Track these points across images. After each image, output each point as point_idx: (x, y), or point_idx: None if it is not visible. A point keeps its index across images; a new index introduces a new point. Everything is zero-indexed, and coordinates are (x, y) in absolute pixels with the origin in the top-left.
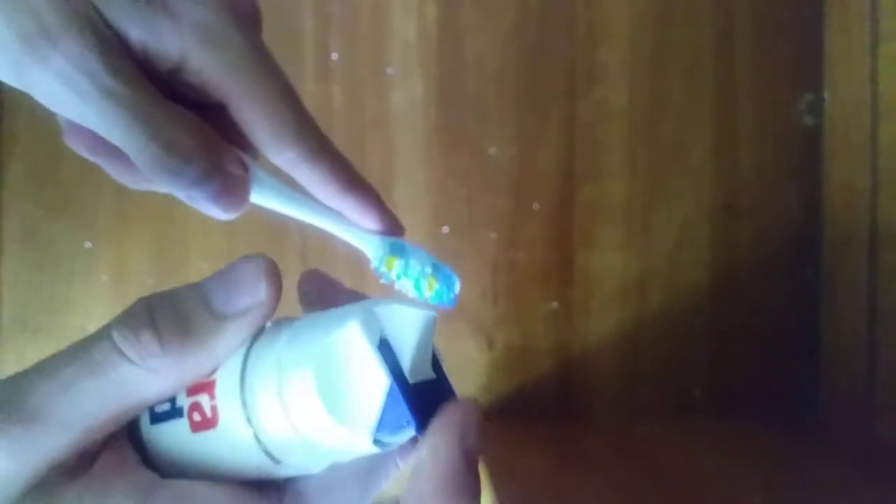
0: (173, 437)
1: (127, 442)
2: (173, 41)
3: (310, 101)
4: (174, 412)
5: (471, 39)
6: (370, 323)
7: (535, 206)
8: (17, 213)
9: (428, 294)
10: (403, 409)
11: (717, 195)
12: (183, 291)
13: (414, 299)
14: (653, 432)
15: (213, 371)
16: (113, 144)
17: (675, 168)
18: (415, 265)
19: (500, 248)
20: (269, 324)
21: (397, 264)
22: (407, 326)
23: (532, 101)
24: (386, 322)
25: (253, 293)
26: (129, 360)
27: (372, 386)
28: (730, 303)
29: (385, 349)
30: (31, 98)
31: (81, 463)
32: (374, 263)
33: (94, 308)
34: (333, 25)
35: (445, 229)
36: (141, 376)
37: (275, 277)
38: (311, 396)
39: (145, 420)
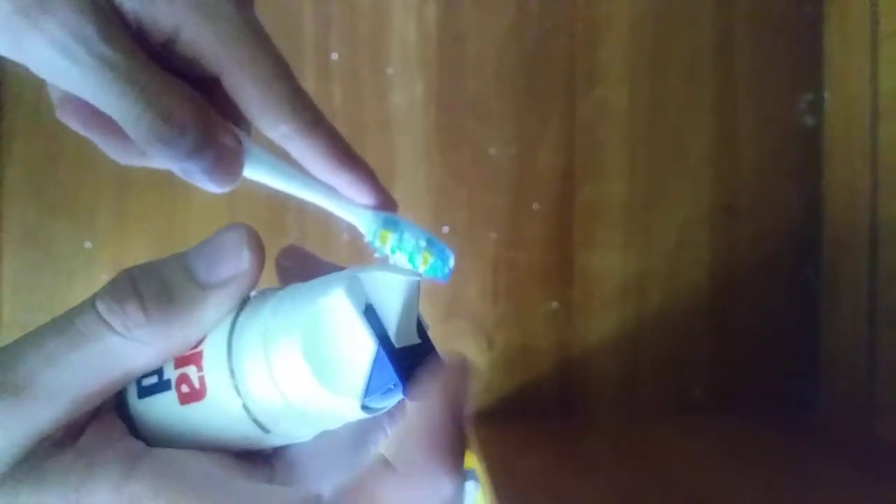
0: (161, 409)
1: (114, 413)
2: (166, 12)
3: None
4: (162, 385)
5: (471, 39)
6: (355, 289)
7: (535, 206)
8: (17, 213)
9: (423, 267)
10: (390, 373)
11: (717, 195)
12: (166, 262)
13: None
14: (653, 432)
15: (200, 342)
16: (106, 117)
17: (675, 168)
18: (409, 239)
19: (500, 248)
20: (253, 293)
21: (391, 238)
22: (391, 292)
23: (532, 101)
24: (370, 288)
25: (236, 262)
26: (114, 330)
27: (359, 351)
28: (730, 303)
29: (370, 315)
30: (31, 98)
31: (69, 434)
32: (367, 237)
33: None
34: (333, 25)
35: (445, 229)
36: (127, 347)
37: (257, 246)
38: (298, 363)
39: (132, 393)
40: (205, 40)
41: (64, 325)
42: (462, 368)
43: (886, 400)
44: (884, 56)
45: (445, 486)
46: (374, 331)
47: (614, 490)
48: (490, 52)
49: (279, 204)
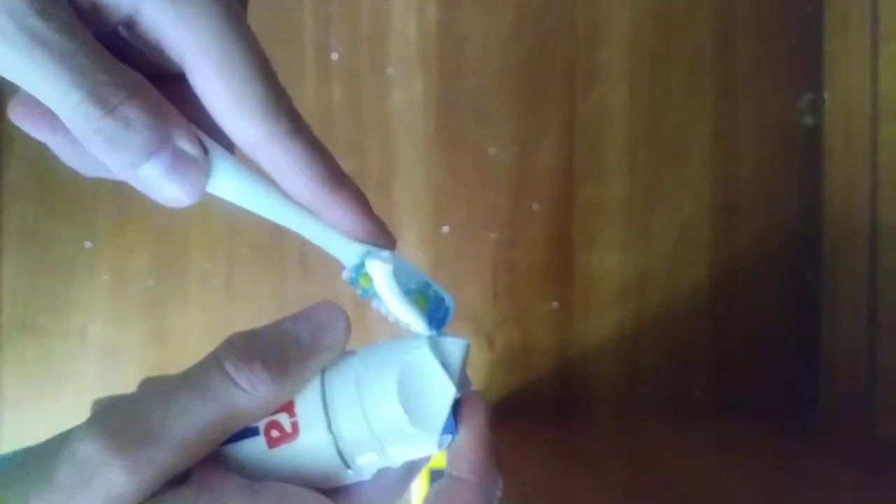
0: (248, 453)
1: (210, 455)
2: None
3: (310, 101)
4: (249, 431)
5: (471, 39)
6: (434, 348)
7: (535, 206)
8: (17, 213)
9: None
10: (452, 419)
11: (717, 195)
12: (273, 329)
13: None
14: (653, 432)
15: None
16: (57, 116)
17: (675, 168)
18: (399, 282)
19: (500, 248)
20: None
21: (377, 279)
22: (454, 351)
23: (532, 101)
24: (442, 348)
25: (335, 331)
26: (240, 388)
27: (441, 397)
28: (730, 303)
29: (446, 368)
30: None
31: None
32: (345, 274)
33: (94, 308)
34: (333, 25)
35: (445, 229)
36: (248, 401)
37: (348, 319)
38: (392, 402)
39: None
40: (167, 22)
41: (191, 381)
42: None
43: (886, 400)
44: (884, 56)
45: (499, 486)
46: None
47: (614, 490)
48: (490, 52)
49: None
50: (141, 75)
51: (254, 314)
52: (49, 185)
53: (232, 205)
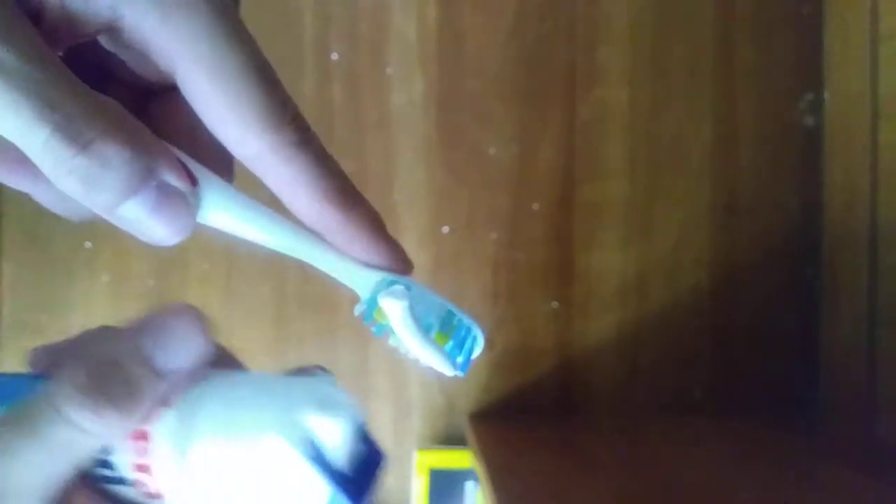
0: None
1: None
2: None
3: (310, 101)
4: (117, 479)
5: (471, 39)
6: (294, 432)
7: (535, 206)
8: (17, 213)
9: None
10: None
11: (717, 195)
12: (123, 352)
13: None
14: (653, 432)
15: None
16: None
17: (675, 168)
18: (419, 315)
19: (500, 248)
20: None
21: (395, 311)
22: (335, 429)
23: (532, 101)
24: (314, 424)
25: (190, 350)
26: (87, 432)
27: (314, 498)
28: (730, 303)
29: (315, 453)
30: None
31: None
32: (359, 308)
33: (94, 308)
34: (333, 25)
35: (445, 229)
36: (94, 441)
37: (208, 332)
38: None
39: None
40: (152, 26)
41: (25, 427)
42: None
43: (886, 400)
44: (884, 56)
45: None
46: (325, 470)
47: (614, 490)
48: (490, 52)
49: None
50: (116, 102)
51: (254, 314)
52: None
53: (230, 235)
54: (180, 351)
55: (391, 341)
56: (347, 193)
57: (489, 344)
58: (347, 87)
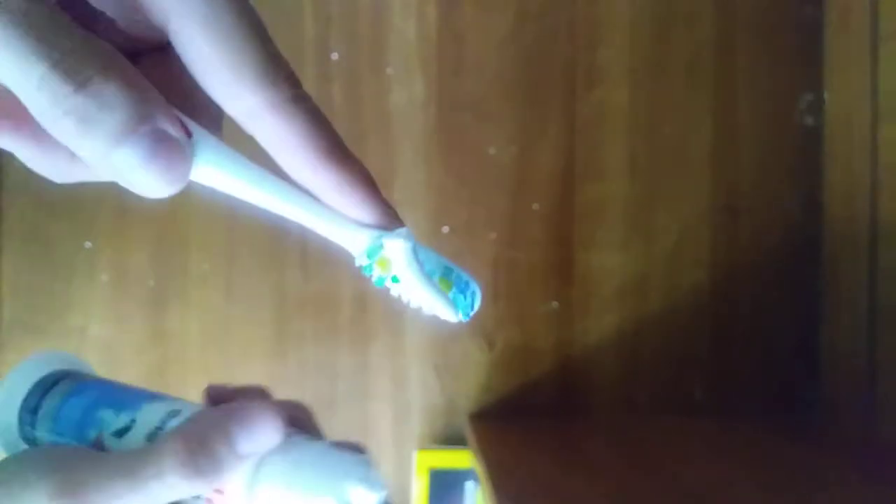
0: None
1: None
2: None
3: None
4: None
5: (471, 39)
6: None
7: (535, 206)
8: (17, 213)
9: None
10: None
11: (717, 195)
12: (211, 433)
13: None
14: (653, 432)
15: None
16: (17, 110)
17: (675, 168)
18: (421, 263)
19: (500, 248)
20: None
21: (396, 261)
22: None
23: (532, 101)
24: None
25: (269, 439)
26: (176, 490)
27: None
28: (730, 303)
29: None
30: None
31: None
32: (359, 260)
33: (94, 308)
34: (333, 25)
35: (445, 229)
36: (180, 495)
37: (282, 424)
38: None
39: None
40: None
41: (137, 484)
42: None
43: (887, 400)
44: (884, 56)
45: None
46: None
47: (614, 490)
48: (490, 52)
49: None
50: (112, 46)
51: (254, 314)
52: (49, 185)
53: (224, 195)
54: (259, 439)
55: (393, 291)
56: (341, 150)
57: (489, 344)
58: (347, 87)
